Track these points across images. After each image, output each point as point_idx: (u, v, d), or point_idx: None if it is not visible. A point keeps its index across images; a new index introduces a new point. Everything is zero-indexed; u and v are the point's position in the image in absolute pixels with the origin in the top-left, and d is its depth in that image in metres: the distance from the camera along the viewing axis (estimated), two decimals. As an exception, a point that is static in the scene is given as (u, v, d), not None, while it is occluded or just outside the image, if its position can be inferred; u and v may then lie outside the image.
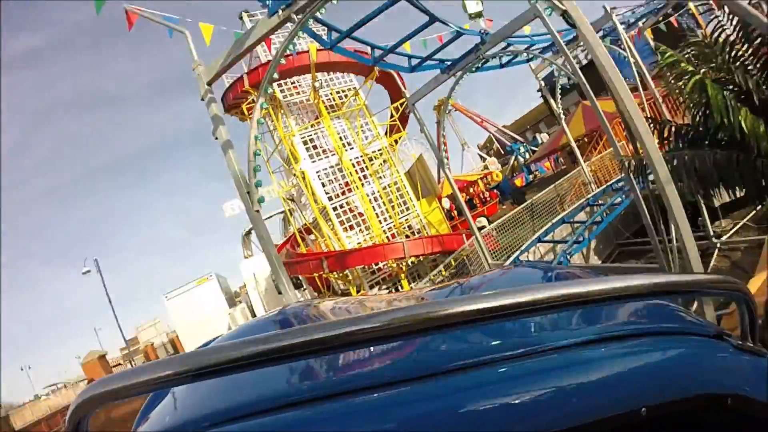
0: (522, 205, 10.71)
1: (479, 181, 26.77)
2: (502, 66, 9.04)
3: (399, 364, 0.89)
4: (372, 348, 0.83)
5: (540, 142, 33.72)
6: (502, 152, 37.02)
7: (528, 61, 9.80)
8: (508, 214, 10.89)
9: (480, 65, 8.16)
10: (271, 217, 23.96)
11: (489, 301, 0.64)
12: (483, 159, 36.83)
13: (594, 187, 11.17)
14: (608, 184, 11.07)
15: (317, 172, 15.97)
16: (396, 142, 18.05)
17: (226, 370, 0.64)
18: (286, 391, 0.86)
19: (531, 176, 29.63)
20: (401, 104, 16.89)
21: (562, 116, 11.08)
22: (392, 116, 17.61)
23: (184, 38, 6.52)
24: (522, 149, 33.33)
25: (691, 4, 16.49)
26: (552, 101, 11.03)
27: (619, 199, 10.45)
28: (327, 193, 15.92)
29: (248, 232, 25.61)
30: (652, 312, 1.00)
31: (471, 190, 25.07)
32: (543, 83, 10.97)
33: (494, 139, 39.47)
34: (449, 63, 7.85)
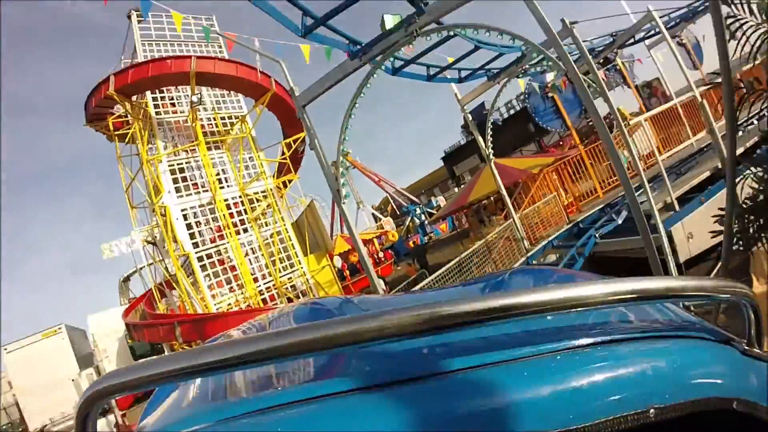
0: (444, 268, 8.36)
1: (374, 240, 25.08)
2: (429, 78, 7.03)
3: (402, 363, 0.86)
4: (375, 347, 0.73)
5: (435, 204, 33.74)
6: (398, 213, 36.33)
7: (460, 80, 7.93)
8: (433, 275, 8.46)
9: (403, 62, 6.00)
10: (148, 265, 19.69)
11: (497, 301, 0.68)
12: (377, 219, 35.70)
13: (526, 244, 9.27)
14: (549, 240, 9.25)
15: (183, 211, 12.59)
16: (285, 185, 15.49)
17: (233, 366, 0.66)
18: (288, 389, 0.86)
19: (426, 238, 28.78)
20: (295, 140, 14.49)
21: (491, 156, 9.20)
22: (283, 153, 15.01)
23: None
24: (418, 210, 32.62)
25: (619, 60, 17.02)
26: (480, 139, 9.18)
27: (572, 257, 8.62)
28: (193, 239, 12.59)
29: (126, 278, 21.94)
30: (659, 315, 0.99)
31: (366, 249, 23.25)
32: (470, 116, 9.16)
33: (390, 200, 38.81)
34: (361, 46, 5.11)
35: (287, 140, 14.81)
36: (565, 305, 0.70)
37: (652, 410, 0.72)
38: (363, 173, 38.02)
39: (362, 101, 5.42)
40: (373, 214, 38.47)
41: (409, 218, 32.73)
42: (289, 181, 15.48)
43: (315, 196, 18.43)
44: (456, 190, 31.79)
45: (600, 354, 0.79)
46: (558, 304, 0.69)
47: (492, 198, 18.18)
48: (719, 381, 0.79)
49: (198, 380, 0.99)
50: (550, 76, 13.39)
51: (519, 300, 0.68)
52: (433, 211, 30.94)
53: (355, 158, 34.38)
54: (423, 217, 31.60)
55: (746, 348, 0.85)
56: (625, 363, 0.77)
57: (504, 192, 9.46)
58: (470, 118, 9.08)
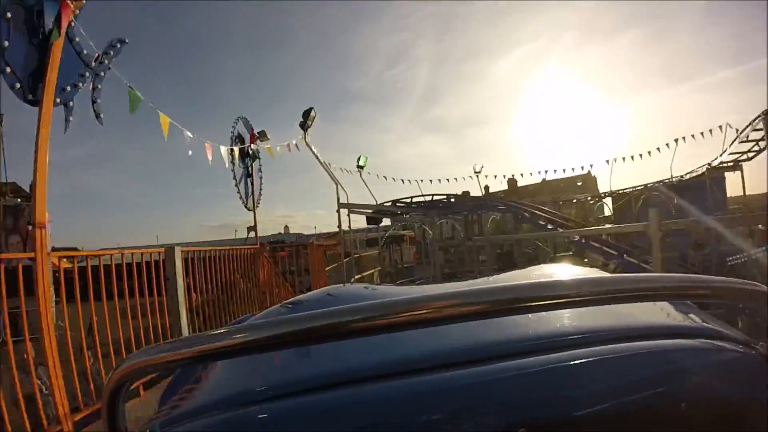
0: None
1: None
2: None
3: (412, 354, 0.86)
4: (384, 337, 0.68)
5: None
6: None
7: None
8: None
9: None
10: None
11: (515, 292, 0.65)
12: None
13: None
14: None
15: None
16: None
17: (271, 347, 0.65)
18: (303, 376, 0.86)
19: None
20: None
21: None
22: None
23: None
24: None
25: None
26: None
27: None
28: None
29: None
30: (678, 315, 1.01)
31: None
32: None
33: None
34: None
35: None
36: (580, 298, 0.65)
37: (664, 407, 0.73)
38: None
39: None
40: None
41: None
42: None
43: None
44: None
45: (613, 349, 0.79)
46: (574, 297, 0.65)
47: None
48: (737, 383, 0.80)
49: (217, 368, 0.98)
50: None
51: (547, 292, 0.64)
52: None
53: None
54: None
55: (765, 352, 0.84)
56: (639, 360, 0.78)
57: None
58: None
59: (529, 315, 0.78)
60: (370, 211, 16.48)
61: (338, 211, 12.84)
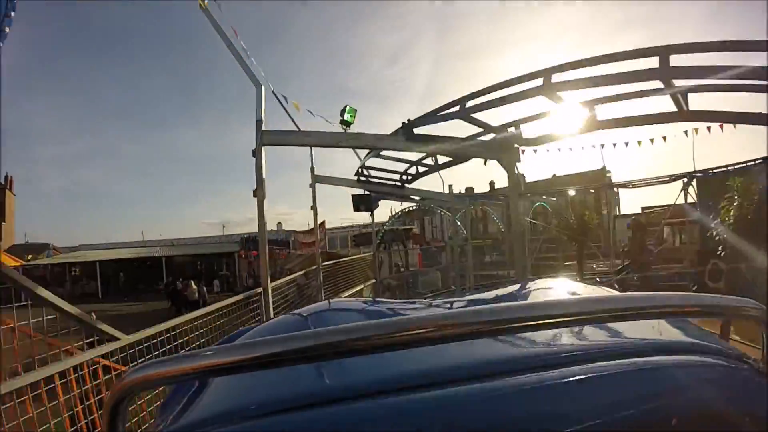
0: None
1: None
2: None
3: (412, 371, 0.84)
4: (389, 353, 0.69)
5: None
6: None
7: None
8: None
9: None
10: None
11: (516, 312, 0.66)
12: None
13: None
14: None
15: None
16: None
17: (274, 364, 0.64)
18: (304, 391, 0.85)
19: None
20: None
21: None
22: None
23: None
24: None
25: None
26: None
27: None
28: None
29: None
30: (676, 331, 1.02)
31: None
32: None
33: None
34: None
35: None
36: (568, 318, 0.67)
37: (664, 422, 0.73)
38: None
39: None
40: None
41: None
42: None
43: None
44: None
45: (610, 366, 0.79)
46: (576, 316, 0.68)
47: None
48: (734, 399, 0.80)
49: (218, 380, 0.98)
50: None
51: (547, 311, 0.66)
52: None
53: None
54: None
55: (761, 367, 0.84)
56: (636, 377, 0.79)
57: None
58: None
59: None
60: (351, 177, 10.56)
61: (256, 152, 6.01)
